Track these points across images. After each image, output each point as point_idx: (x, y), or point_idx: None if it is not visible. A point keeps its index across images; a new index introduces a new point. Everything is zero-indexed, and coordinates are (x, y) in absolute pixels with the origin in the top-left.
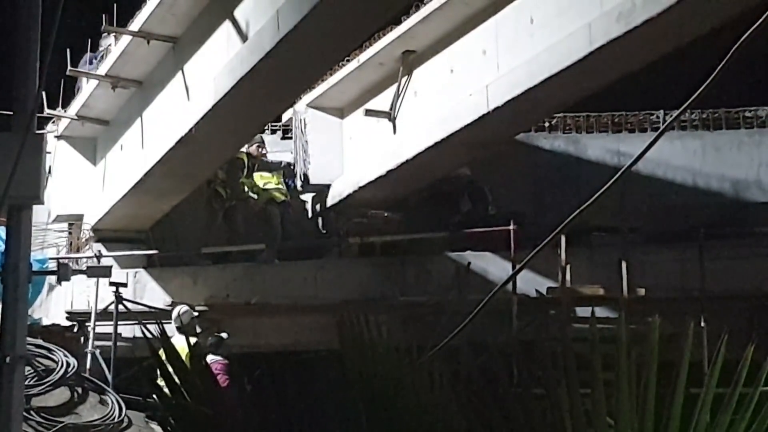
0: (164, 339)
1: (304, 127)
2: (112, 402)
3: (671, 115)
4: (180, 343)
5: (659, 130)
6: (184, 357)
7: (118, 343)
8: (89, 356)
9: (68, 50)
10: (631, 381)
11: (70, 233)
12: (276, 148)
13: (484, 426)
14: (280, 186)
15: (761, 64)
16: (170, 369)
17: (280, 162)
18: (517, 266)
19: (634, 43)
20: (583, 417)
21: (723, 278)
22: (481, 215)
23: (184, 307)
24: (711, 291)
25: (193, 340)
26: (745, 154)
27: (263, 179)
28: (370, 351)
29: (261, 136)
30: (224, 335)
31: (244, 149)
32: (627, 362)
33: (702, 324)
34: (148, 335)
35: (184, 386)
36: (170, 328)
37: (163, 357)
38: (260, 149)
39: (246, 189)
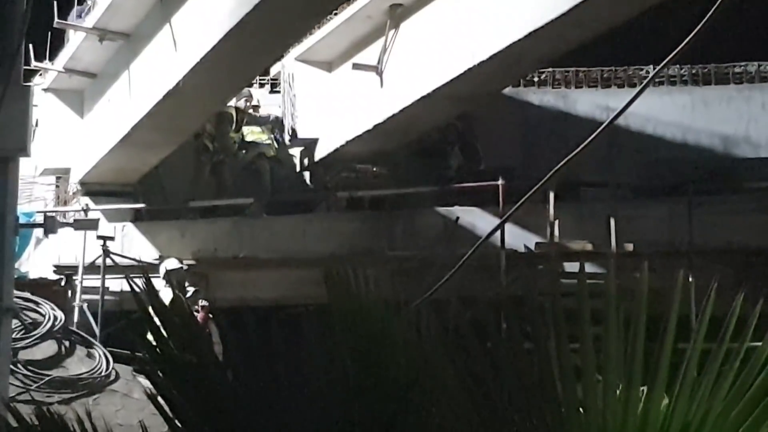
0: (151, 291)
1: (292, 81)
2: (100, 355)
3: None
4: (167, 296)
5: (641, 86)
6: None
7: (106, 297)
8: (77, 310)
9: (56, 2)
10: (619, 335)
11: (57, 186)
12: (264, 102)
13: (472, 379)
14: (269, 141)
15: (751, 19)
16: (157, 321)
17: (269, 116)
18: (505, 221)
19: None
20: (572, 371)
21: (711, 233)
22: (472, 170)
23: (172, 261)
24: (699, 246)
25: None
26: (735, 110)
27: (253, 134)
28: (357, 304)
29: (249, 90)
30: (191, 289)
31: (232, 103)
32: (615, 317)
33: (690, 279)
34: (136, 289)
35: (171, 337)
36: (158, 282)
37: (151, 310)
38: (248, 103)
39: (235, 143)
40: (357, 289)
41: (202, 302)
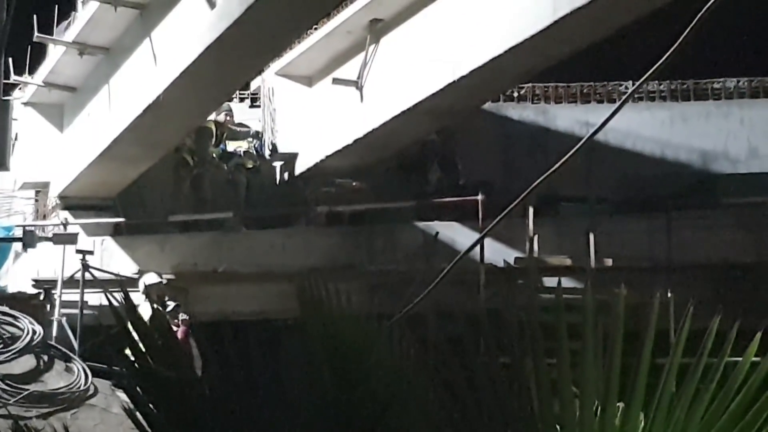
0: (129, 306)
1: (272, 96)
2: (78, 370)
3: (640, 86)
4: (146, 311)
5: (618, 103)
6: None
7: (85, 311)
8: (55, 324)
9: (35, 17)
10: (597, 350)
11: (36, 200)
12: (244, 116)
13: (450, 394)
14: (250, 151)
15: (729, 35)
16: (135, 336)
17: (248, 130)
18: (484, 236)
19: (599, 12)
20: (549, 385)
21: (690, 248)
22: (452, 184)
23: (152, 275)
24: (678, 261)
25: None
26: (713, 125)
27: (232, 144)
28: (330, 319)
29: (229, 105)
30: (171, 304)
31: (212, 117)
32: (593, 332)
33: (669, 294)
34: (114, 303)
35: (149, 352)
36: (137, 297)
37: (129, 325)
38: (228, 117)
39: (215, 156)
40: (329, 304)
41: (183, 316)
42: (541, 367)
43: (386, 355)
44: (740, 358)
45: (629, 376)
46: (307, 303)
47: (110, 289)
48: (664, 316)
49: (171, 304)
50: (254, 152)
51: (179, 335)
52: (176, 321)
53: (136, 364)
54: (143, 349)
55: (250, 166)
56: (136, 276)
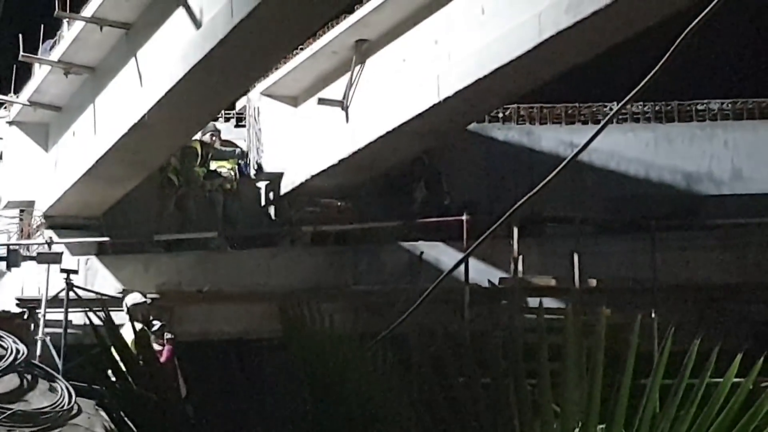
0: (110, 326)
1: (258, 116)
2: (62, 389)
3: (624, 108)
4: (130, 330)
5: (600, 124)
6: (132, 345)
7: (69, 331)
8: (39, 343)
9: (21, 36)
10: (580, 371)
11: (21, 220)
12: (230, 136)
13: (431, 414)
14: (232, 172)
15: (713, 57)
16: (117, 357)
17: (234, 150)
18: (468, 256)
19: (583, 34)
20: (530, 407)
21: (674, 270)
22: (437, 205)
23: (136, 295)
24: (662, 282)
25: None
26: (697, 147)
27: (216, 164)
28: (312, 339)
29: (215, 125)
30: (156, 323)
31: (197, 137)
32: (575, 352)
33: (652, 315)
34: (97, 322)
35: (131, 372)
36: (122, 316)
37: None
38: (214, 137)
39: (199, 176)
40: (312, 325)
41: (168, 335)
42: (522, 388)
43: (368, 375)
44: (721, 379)
45: (611, 397)
46: (290, 323)
47: (93, 309)
48: (648, 336)
49: (157, 324)
50: (237, 172)
51: (165, 355)
52: (161, 341)
53: (117, 385)
54: (124, 370)
55: (229, 187)
56: (121, 295)
